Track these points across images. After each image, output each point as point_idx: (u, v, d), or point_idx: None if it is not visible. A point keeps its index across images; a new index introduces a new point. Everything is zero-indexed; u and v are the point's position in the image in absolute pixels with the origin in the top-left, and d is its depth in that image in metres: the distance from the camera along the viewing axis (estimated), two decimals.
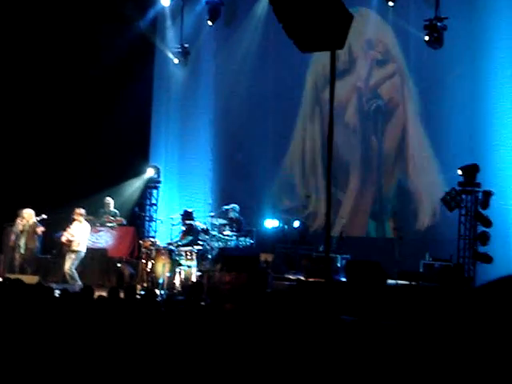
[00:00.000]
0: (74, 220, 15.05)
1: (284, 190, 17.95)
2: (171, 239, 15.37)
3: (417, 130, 16.29)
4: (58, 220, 16.25)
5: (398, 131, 16.63)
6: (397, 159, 16.57)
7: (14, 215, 15.63)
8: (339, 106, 16.47)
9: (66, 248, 14.97)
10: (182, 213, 15.67)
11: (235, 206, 16.00)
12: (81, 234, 14.86)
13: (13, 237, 15.46)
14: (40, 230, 15.55)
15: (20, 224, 15.35)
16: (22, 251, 15.26)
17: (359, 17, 16.15)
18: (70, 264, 14.65)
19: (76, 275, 14.62)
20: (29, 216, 15.37)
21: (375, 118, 16.88)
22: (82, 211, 15.08)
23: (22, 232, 15.30)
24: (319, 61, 16.70)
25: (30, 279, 12.23)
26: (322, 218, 16.21)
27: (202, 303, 9.61)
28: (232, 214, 15.86)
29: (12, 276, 11.39)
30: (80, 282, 14.29)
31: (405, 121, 16.51)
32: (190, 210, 15.64)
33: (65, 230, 15.13)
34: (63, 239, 14.96)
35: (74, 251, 14.71)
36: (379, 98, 16.84)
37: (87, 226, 15.16)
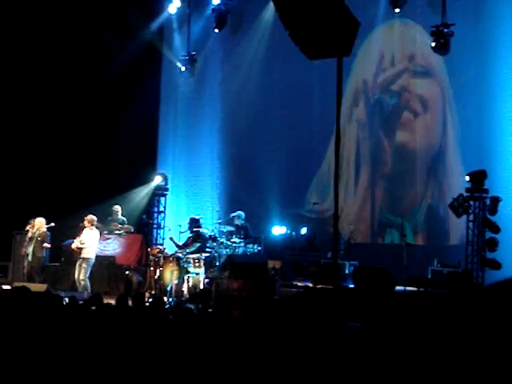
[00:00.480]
0: (84, 227, 15.09)
1: (319, 189, 17.92)
2: (179, 240, 15.43)
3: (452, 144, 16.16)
4: (66, 228, 16.30)
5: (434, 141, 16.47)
6: (430, 176, 16.41)
7: (24, 223, 15.65)
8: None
9: (76, 255, 14.99)
10: (189, 221, 15.67)
11: (240, 213, 16.03)
12: (91, 241, 14.89)
13: (25, 244, 15.47)
14: (46, 245, 15.53)
15: (30, 232, 15.36)
16: (30, 259, 15.25)
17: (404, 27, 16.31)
18: (83, 274, 14.66)
19: (89, 284, 14.65)
20: (39, 224, 15.36)
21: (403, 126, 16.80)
22: (94, 218, 15.12)
23: (30, 239, 15.30)
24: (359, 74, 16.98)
25: (39, 287, 12.25)
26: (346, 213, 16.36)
27: (210, 310, 9.61)
28: (237, 222, 15.89)
29: (19, 284, 11.39)
30: (90, 291, 14.30)
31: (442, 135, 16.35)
32: (196, 217, 15.65)
33: (74, 237, 15.18)
34: (73, 246, 14.99)
35: (84, 259, 14.72)
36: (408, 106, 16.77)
37: (97, 232, 15.19)
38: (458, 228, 15.18)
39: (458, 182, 15.22)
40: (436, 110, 16.38)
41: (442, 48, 14.85)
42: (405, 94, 16.71)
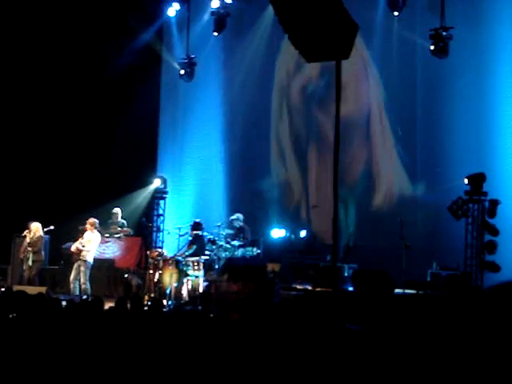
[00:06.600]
0: (84, 230, 15.12)
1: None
2: (178, 248, 15.39)
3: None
4: (65, 231, 16.31)
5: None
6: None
7: (23, 226, 15.65)
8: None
9: (75, 257, 14.98)
10: (191, 223, 15.69)
11: (239, 215, 16.08)
12: (92, 244, 14.91)
13: (23, 248, 15.49)
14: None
15: (28, 237, 15.37)
16: (30, 264, 15.28)
17: None
18: (84, 277, 14.68)
19: (89, 287, 14.66)
20: (36, 229, 15.38)
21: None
22: (96, 221, 15.15)
23: (29, 244, 15.33)
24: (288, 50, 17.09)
25: (38, 290, 12.26)
26: (289, 191, 18.00)
27: (210, 313, 9.60)
28: (236, 224, 15.92)
29: (19, 288, 11.39)
30: (90, 294, 14.31)
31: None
32: (198, 221, 15.65)
33: (75, 240, 15.22)
34: (73, 248, 15.00)
35: (83, 261, 14.72)
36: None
37: (99, 236, 15.21)
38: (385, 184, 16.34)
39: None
40: (359, 83, 16.92)
41: (441, 51, 14.86)
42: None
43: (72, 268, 14.92)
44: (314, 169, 17.69)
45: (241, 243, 15.52)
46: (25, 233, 15.44)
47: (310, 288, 14.23)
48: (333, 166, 6.11)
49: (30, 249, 15.26)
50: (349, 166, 16.85)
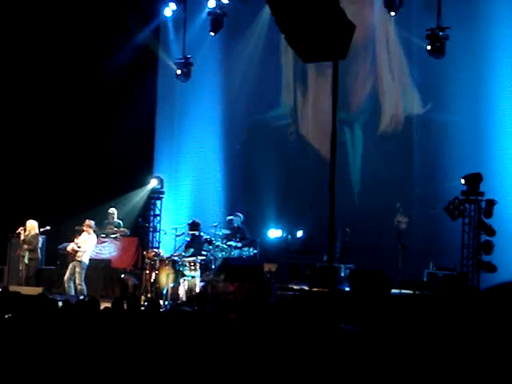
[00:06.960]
0: (82, 231, 15.13)
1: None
2: (174, 249, 15.38)
3: None
4: (61, 231, 16.29)
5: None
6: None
7: (19, 226, 15.63)
8: None
9: (70, 257, 14.98)
10: (189, 222, 15.69)
11: (239, 214, 16.08)
12: (88, 246, 14.92)
13: (20, 247, 15.47)
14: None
15: (22, 234, 15.36)
16: (27, 262, 15.27)
17: None
18: (79, 278, 14.68)
19: (85, 288, 14.66)
20: (31, 227, 15.36)
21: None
22: (92, 223, 15.16)
23: (24, 243, 15.31)
24: None
25: (34, 291, 12.24)
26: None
27: (207, 314, 9.59)
28: (236, 223, 15.92)
29: (15, 288, 11.38)
30: (86, 294, 14.30)
31: None
32: (197, 221, 15.63)
33: (71, 241, 15.21)
34: (68, 248, 15.00)
35: (78, 262, 14.72)
36: None
37: (95, 238, 15.22)
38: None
39: None
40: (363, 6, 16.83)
41: (438, 51, 14.87)
42: None
43: (67, 269, 14.91)
44: (312, 90, 17.78)
45: (237, 244, 15.53)
46: (19, 230, 15.40)
47: (306, 288, 14.24)
48: (330, 165, 6.10)
49: (25, 246, 15.25)
50: (354, 90, 16.92)
